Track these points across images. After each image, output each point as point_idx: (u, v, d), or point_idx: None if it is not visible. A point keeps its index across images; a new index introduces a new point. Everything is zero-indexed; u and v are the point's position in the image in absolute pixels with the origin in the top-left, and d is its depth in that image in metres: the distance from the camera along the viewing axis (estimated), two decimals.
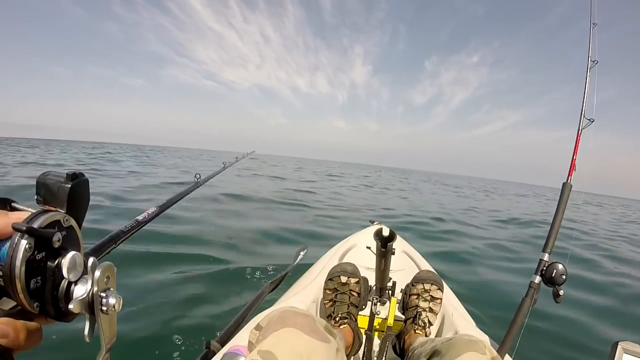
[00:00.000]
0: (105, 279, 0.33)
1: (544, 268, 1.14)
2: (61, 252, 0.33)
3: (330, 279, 1.21)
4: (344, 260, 1.67)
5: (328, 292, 1.20)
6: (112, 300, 0.33)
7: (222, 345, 1.18)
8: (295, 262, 2.15)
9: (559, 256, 1.16)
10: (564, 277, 1.12)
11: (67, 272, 0.32)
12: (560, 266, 1.13)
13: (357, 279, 1.20)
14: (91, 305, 0.33)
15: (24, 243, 0.30)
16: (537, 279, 1.15)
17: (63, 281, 0.33)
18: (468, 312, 1.61)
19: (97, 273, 0.33)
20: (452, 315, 1.39)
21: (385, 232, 1.08)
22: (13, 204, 0.36)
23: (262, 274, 2.86)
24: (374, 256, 1.14)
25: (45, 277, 0.33)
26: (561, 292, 1.12)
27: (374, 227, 1.10)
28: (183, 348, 1.85)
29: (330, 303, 1.18)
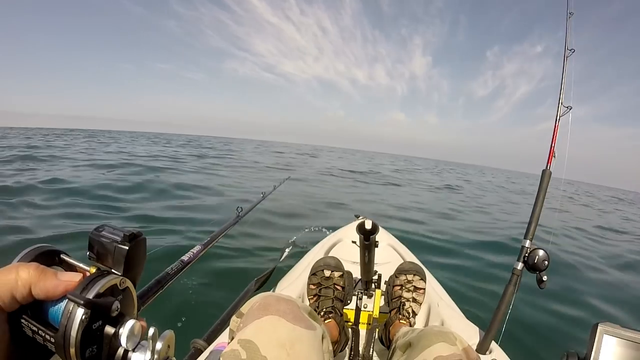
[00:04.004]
0: (166, 348, 0.32)
1: (526, 254, 1.15)
2: (119, 319, 0.32)
3: (313, 273, 1.19)
4: (330, 255, 1.66)
5: (312, 287, 1.18)
6: None
7: (209, 344, 1.16)
8: (281, 259, 2.13)
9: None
10: (546, 262, 1.13)
11: (126, 341, 0.31)
12: (541, 252, 1.13)
13: (340, 273, 1.19)
14: None
15: (80, 313, 0.29)
16: (520, 265, 1.15)
17: (120, 349, 0.32)
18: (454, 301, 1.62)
19: (159, 345, 0.32)
20: (437, 305, 1.39)
21: (368, 226, 1.07)
22: (62, 256, 0.35)
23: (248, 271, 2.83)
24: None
25: (101, 346, 0.31)
26: (544, 278, 1.13)
27: (359, 221, 1.09)
28: None
29: (315, 298, 1.16)
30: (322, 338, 0.74)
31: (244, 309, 0.74)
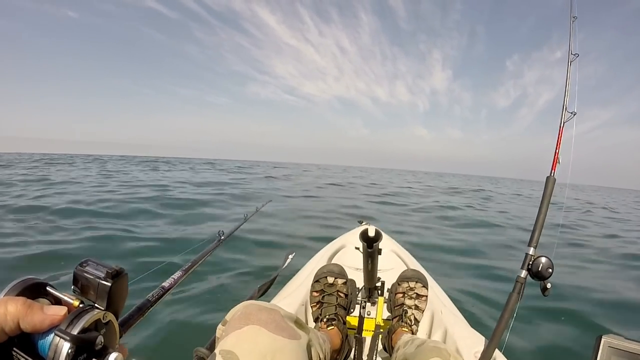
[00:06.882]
0: None
1: (530, 262, 1.14)
2: (102, 352, 0.34)
3: (316, 280, 1.19)
4: (333, 262, 1.66)
5: (315, 294, 1.18)
6: None
7: (212, 352, 1.16)
8: (284, 266, 2.13)
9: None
10: (550, 270, 1.12)
11: None
12: (546, 260, 1.12)
13: (344, 280, 1.18)
14: None
15: (66, 347, 0.31)
16: (524, 273, 1.14)
17: None
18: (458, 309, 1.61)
19: None
20: (441, 313, 1.38)
21: (371, 233, 1.07)
22: (48, 288, 0.36)
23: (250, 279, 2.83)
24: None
25: None
26: (549, 286, 1.12)
27: (362, 228, 1.08)
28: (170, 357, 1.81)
29: (317, 305, 1.16)
30: (310, 347, 0.73)
31: (228, 316, 0.73)
